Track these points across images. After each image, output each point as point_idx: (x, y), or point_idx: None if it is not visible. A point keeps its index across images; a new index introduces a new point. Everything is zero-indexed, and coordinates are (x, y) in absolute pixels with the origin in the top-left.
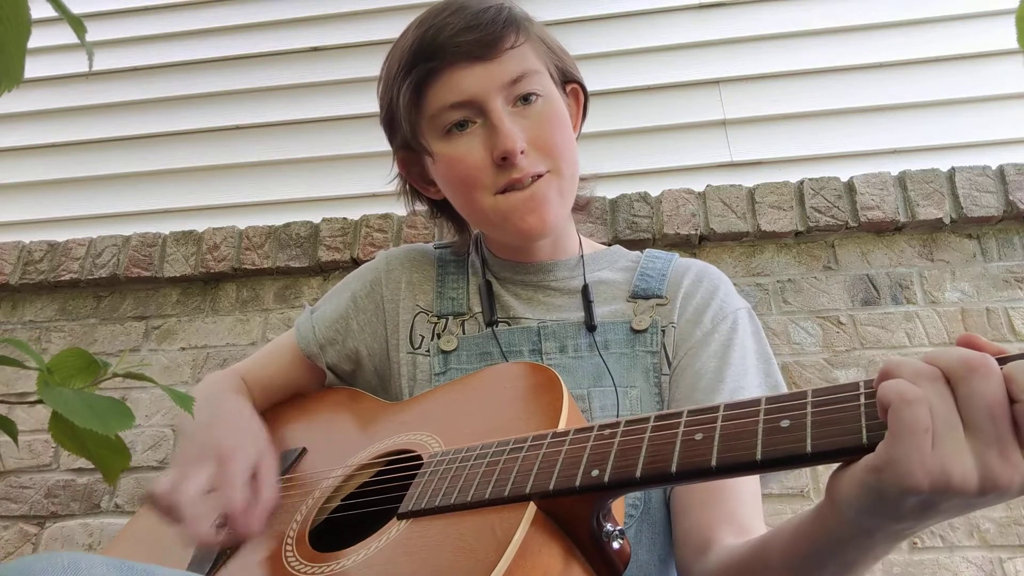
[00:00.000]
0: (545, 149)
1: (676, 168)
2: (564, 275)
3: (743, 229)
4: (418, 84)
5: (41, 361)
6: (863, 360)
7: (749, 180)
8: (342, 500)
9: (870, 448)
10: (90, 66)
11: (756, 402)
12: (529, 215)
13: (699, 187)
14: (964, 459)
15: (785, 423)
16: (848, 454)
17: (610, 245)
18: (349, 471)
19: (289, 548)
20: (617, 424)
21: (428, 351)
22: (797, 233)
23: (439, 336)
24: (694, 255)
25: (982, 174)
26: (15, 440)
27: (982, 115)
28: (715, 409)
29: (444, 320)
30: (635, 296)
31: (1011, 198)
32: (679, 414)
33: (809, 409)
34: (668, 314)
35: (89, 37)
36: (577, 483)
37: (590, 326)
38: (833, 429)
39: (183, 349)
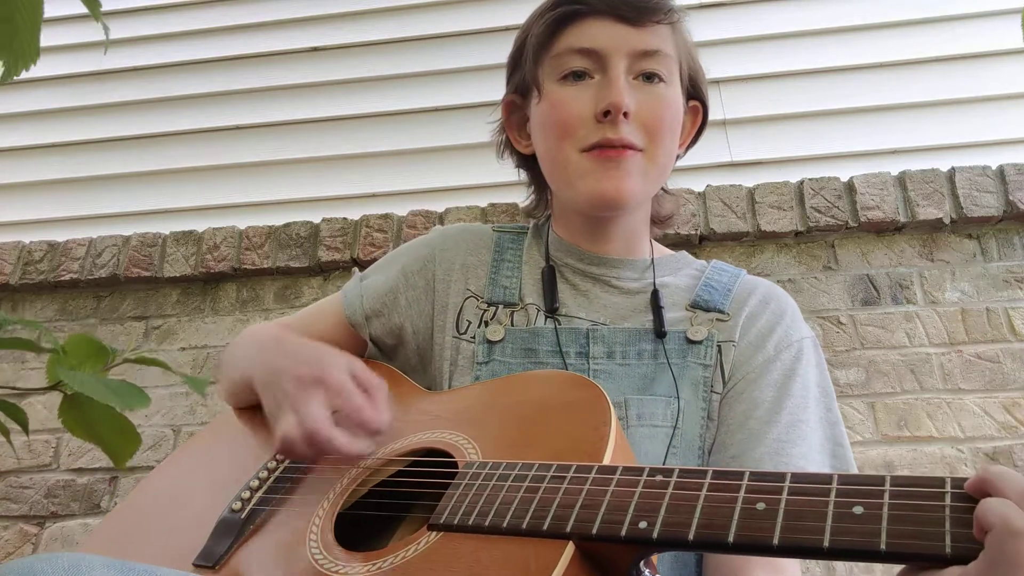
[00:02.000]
0: (648, 127)
1: (676, 168)
2: (628, 275)
3: (743, 229)
4: (558, 20)
5: (56, 341)
6: (863, 360)
7: (749, 180)
8: (368, 492)
9: (953, 560)
10: (105, 48)
11: (827, 479)
12: (608, 179)
13: (699, 187)
14: None
15: (858, 510)
16: (926, 560)
17: (677, 250)
18: (379, 463)
19: (314, 537)
20: (670, 472)
21: (473, 338)
22: (797, 233)
23: (486, 324)
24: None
25: (982, 174)
26: (26, 430)
27: (982, 115)
28: (781, 478)
29: (494, 308)
30: (695, 306)
31: (1011, 198)
32: (740, 475)
33: (887, 499)
34: (729, 331)
35: (89, 37)
36: (623, 533)
37: (659, 332)
38: (913, 530)
39: (183, 349)
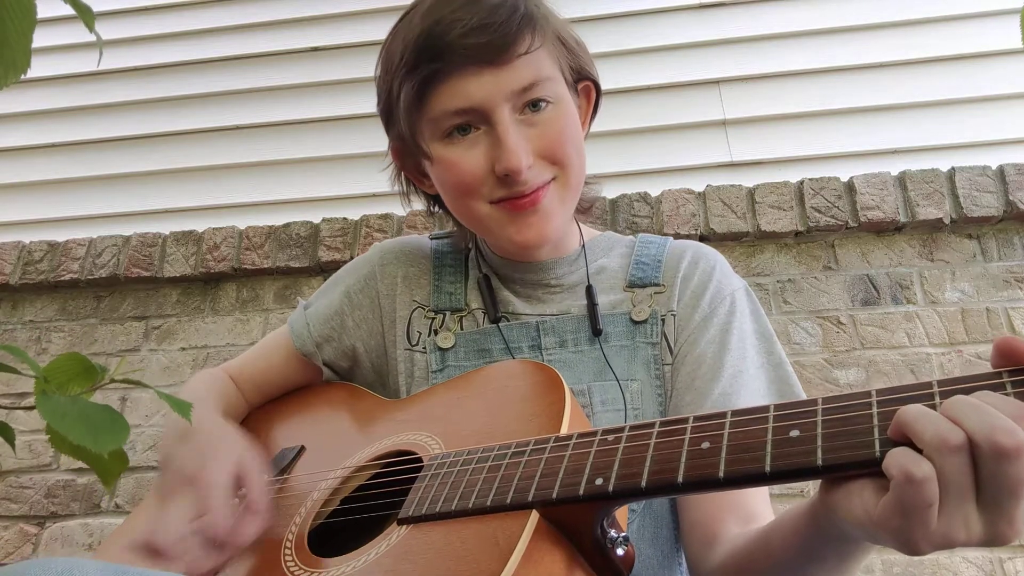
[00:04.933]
0: (552, 155)
1: (676, 168)
2: (564, 271)
3: (743, 229)
4: (421, 85)
5: (38, 368)
6: (863, 360)
7: (749, 180)
8: (341, 502)
9: (883, 460)
10: (99, 56)
11: (764, 409)
12: (528, 228)
13: (699, 187)
14: (971, 526)
15: (794, 433)
16: (860, 467)
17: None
18: (348, 472)
19: (288, 552)
20: (621, 430)
21: (425, 348)
22: (797, 233)
23: (436, 333)
24: None
25: (982, 174)
26: (12, 446)
27: (982, 115)
28: (722, 416)
29: (442, 316)
30: (632, 285)
31: (1011, 198)
32: (684, 420)
33: (819, 418)
34: (667, 302)
35: (90, 37)
36: (581, 492)
37: (595, 330)
38: (845, 442)
39: (183, 349)
